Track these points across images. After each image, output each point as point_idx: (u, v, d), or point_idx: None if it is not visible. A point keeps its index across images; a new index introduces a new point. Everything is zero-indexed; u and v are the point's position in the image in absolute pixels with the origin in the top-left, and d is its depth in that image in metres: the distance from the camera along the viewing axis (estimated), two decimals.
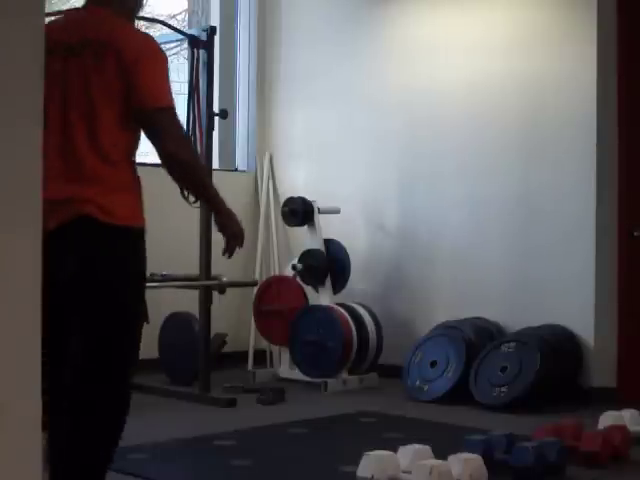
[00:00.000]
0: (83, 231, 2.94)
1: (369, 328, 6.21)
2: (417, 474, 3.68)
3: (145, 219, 3.13)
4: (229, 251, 3.29)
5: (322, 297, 6.34)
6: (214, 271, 5.75)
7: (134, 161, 3.13)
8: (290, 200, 6.51)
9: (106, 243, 2.98)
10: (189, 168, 3.10)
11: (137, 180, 3.13)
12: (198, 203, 5.68)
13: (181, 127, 3.13)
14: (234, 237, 3.26)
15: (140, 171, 6.18)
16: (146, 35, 3.25)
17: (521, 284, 5.99)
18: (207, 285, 5.69)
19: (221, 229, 3.24)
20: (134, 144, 3.11)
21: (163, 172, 7.00)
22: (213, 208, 3.26)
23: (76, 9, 3.40)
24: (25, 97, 1.70)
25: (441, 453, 3.91)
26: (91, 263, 2.96)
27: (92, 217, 2.92)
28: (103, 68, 2.96)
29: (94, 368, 2.99)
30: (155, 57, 3.05)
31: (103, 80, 2.96)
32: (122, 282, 3.02)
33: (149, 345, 6.20)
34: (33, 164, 1.72)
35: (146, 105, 2.97)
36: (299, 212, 6.42)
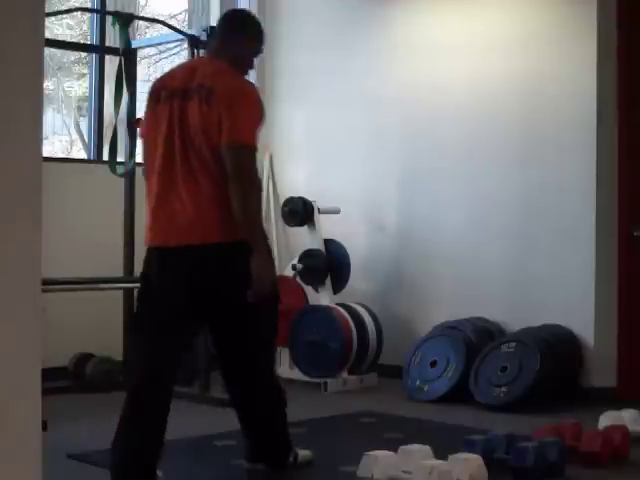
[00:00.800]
0: None
1: (369, 328, 6.21)
2: (417, 474, 3.68)
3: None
4: (253, 295, 3.59)
5: (322, 297, 6.34)
6: None
7: None
8: (290, 200, 6.51)
9: None
10: (254, 203, 3.60)
11: None
12: None
13: (248, 163, 3.61)
14: (261, 283, 3.58)
15: (140, 171, 6.19)
16: (243, 82, 3.84)
17: (521, 284, 5.99)
18: None
19: (253, 272, 3.56)
20: None
21: None
22: (253, 250, 3.57)
23: (199, 58, 4.05)
24: (25, 97, 1.70)
25: (441, 453, 3.91)
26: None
27: None
28: (208, 109, 3.61)
29: (266, 338, 3.92)
30: (243, 99, 3.70)
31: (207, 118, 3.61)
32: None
33: None
34: (33, 165, 1.72)
35: (224, 141, 3.57)
36: (299, 212, 6.42)
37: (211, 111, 3.58)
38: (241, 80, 3.83)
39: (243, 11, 4.38)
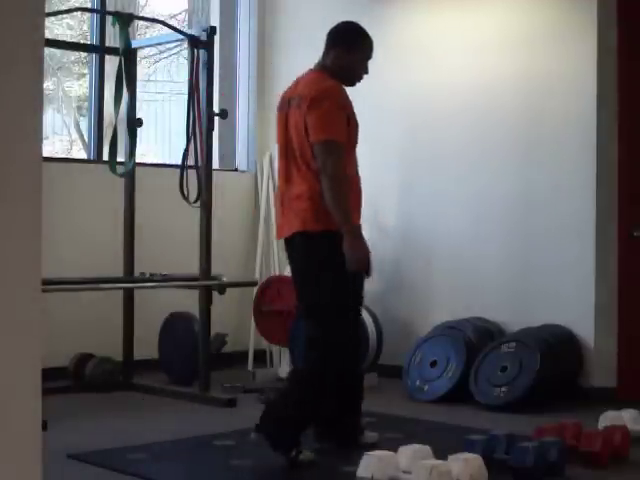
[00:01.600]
0: None
1: (369, 328, 6.21)
2: (417, 474, 3.68)
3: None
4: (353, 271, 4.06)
5: None
6: (214, 271, 5.75)
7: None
8: None
9: None
10: (335, 191, 3.96)
11: None
12: (198, 203, 5.69)
13: (333, 158, 3.96)
14: (353, 262, 4.01)
15: (140, 171, 6.20)
16: (325, 85, 4.13)
17: (521, 284, 5.99)
18: (207, 285, 5.70)
19: (345, 254, 3.99)
20: None
21: (163, 172, 7.02)
22: (343, 234, 4.00)
23: (308, 70, 4.38)
24: (25, 97, 1.70)
25: (441, 453, 3.91)
26: None
27: None
28: (299, 113, 4.08)
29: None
30: (321, 101, 4.03)
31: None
32: None
33: (149, 345, 6.22)
34: (33, 165, 1.72)
35: (310, 140, 4.02)
36: None
37: (301, 115, 4.06)
38: (324, 84, 4.14)
39: (346, 23, 4.49)
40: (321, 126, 4.01)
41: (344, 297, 4.15)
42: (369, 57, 4.38)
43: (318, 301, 4.17)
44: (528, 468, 3.86)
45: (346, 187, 4.03)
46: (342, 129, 4.06)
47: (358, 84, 7.00)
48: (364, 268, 4.12)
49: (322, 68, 4.26)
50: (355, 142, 4.24)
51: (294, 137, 4.10)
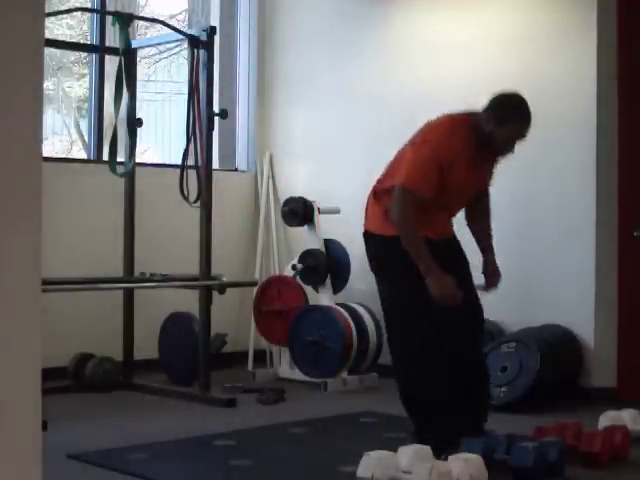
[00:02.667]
0: None
1: (369, 328, 6.21)
2: (417, 474, 3.68)
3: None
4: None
5: (322, 297, 6.34)
6: (214, 271, 5.75)
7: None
8: (290, 200, 6.51)
9: None
10: (401, 236, 4.08)
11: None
12: (198, 203, 5.69)
13: (400, 202, 4.05)
14: (439, 297, 4.03)
15: (140, 171, 6.22)
16: (430, 130, 4.19)
17: (521, 284, 5.98)
18: (207, 285, 5.69)
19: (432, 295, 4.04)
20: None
21: (163, 172, 7.03)
22: (424, 274, 4.07)
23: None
24: (25, 97, 1.70)
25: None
26: None
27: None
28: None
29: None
30: (420, 145, 4.12)
31: None
32: None
33: (149, 345, 6.22)
34: (33, 165, 1.72)
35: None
36: (299, 212, 6.42)
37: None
38: (430, 129, 4.20)
39: (512, 98, 4.26)
40: (403, 169, 4.11)
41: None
42: (519, 137, 4.19)
43: None
44: (528, 468, 3.86)
45: (407, 230, 4.10)
46: (419, 177, 4.07)
47: (357, 84, 7.04)
48: (454, 302, 4.07)
49: (475, 125, 4.16)
50: (457, 191, 4.22)
51: None
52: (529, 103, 5.98)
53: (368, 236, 4.40)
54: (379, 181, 4.35)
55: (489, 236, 4.52)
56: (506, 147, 4.22)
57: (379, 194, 4.30)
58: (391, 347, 4.42)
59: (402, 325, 4.27)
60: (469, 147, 4.17)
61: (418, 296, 4.11)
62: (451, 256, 4.30)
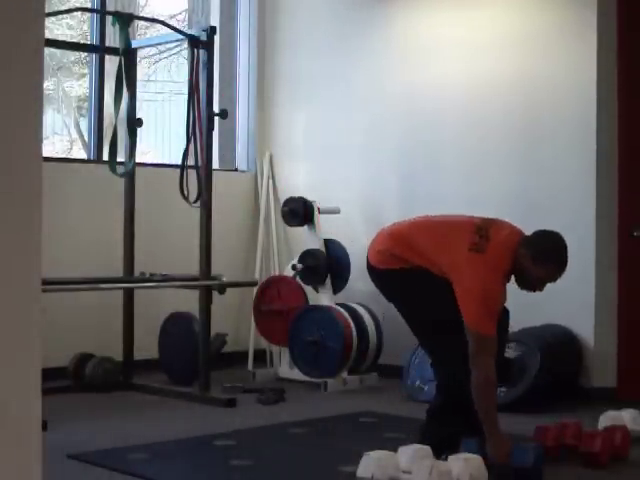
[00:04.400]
0: None
1: (369, 328, 6.21)
2: (417, 474, 3.68)
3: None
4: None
5: (322, 297, 6.34)
6: (214, 271, 5.75)
7: None
8: (290, 200, 6.51)
9: None
10: (474, 392, 3.89)
11: None
12: (198, 203, 5.69)
13: (480, 352, 3.88)
14: (493, 458, 3.86)
15: (140, 171, 6.22)
16: (501, 250, 4.08)
17: None
18: (207, 285, 5.70)
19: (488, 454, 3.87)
20: None
21: (163, 172, 7.03)
22: (486, 434, 3.93)
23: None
24: (25, 97, 1.70)
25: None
26: None
27: None
28: None
29: None
30: (484, 270, 4.01)
31: None
32: None
33: (149, 345, 6.22)
34: (33, 165, 1.72)
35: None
36: (299, 212, 6.42)
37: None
38: (497, 254, 4.08)
39: (554, 240, 4.20)
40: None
41: None
42: (549, 280, 4.17)
43: None
44: (528, 468, 3.85)
45: (487, 388, 3.97)
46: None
47: (357, 85, 7.03)
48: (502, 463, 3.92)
49: (520, 244, 4.12)
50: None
51: None
52: (529, 103, 6.03)
53: (374, 271, 4.34)
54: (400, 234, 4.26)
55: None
56: (534, 285, 4.18)
57: (400, 247, 4.18)
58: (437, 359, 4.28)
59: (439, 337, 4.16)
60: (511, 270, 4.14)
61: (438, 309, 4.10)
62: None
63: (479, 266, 3.99)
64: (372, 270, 4.34)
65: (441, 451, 3.92)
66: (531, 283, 4.17)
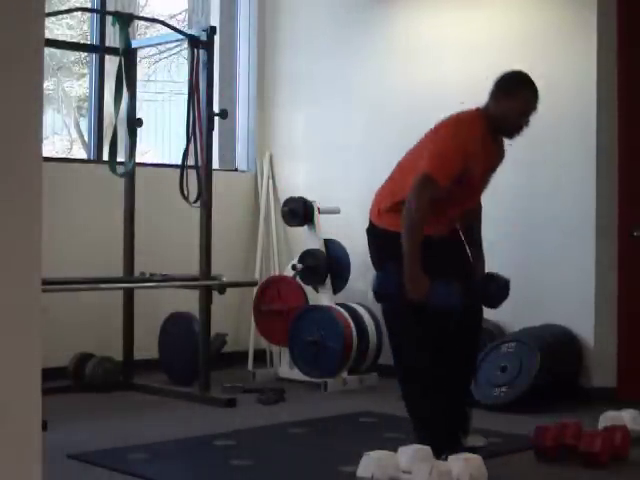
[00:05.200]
0: None
1: (369, 328, 6.21)
2: (417, 474, 3.68)
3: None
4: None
5: (322, 297, 6.34)
6: (214, 271, 5.75)
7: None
8: (290, 200, 6.51)
9: None
10: (404, 221, 3.99)
11: None
12: (198, 203, 5.69)
13: (418, 191, 3.97)
14: (409, 295, 3.96)
15: (140, 171, 6.22)
16: (448, 123, 4.14)
17: (521, 284, 5.96)
18: (207, 285, 5.70)
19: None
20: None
21: (163, 172, 7.04)
22: (405, 268, 3.98)
23: None
24: (25, 97, 1.70)
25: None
26: None
27: None
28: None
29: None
30: (443, 136, 4.09)
31: None
32: None
33: (149, 345, 6.22)
34: (33, 165, 1.72)
35: None
36: (299, 212, 6.42)
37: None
38: (448, 122, 4.16)
39: (514, 72, 4.26)
40: (425, 158, 4.07)
41: None
42: (529, 109, 4.16)
43: None
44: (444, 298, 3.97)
45: (411, 223, 4.02)
46: (439, 165, 4.03)
47: (357, 85, 7.04)
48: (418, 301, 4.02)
49: (483, 111, 4.19)
50: (474, 185, 4.21)
51: None
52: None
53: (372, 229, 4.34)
54: (384, 189, 4.39)
55: (481, 245, 4.47)
56: (521, 120, 4.16)
57: (388, 202, 4.28)
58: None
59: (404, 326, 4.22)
60: (487, 137, 4.18)
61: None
62: (455, 257, 4.27)
63: (438, 141, 4.11)
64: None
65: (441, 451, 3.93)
66: (516, 123, 4.17)
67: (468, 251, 4.39)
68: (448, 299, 4.00)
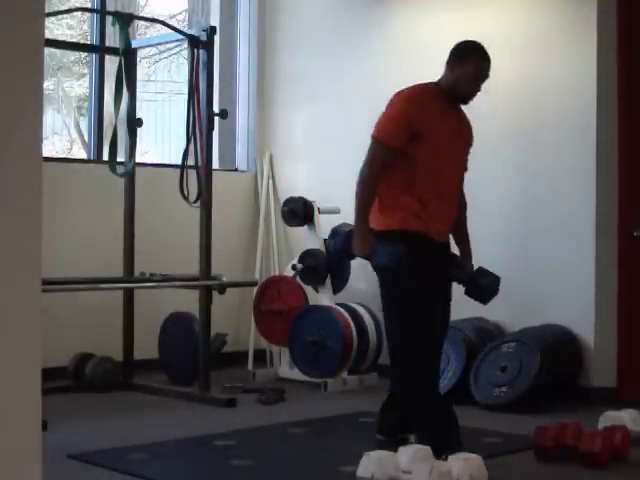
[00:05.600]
0: None
1: (369, 328, 6.21)
2: (417, 474, 3.68)
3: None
4: None
5: (322, 297, 6.34)
6: (214, 271, 5.75)
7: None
8: (290, 200, 6.51)
9: None
10: (358, 184, 4.23)
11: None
12: (198, 203, 5.69)
13: (369, 154, 4.27)
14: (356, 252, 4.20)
15: (140, 171, 6.21)
16: (401, 92, 4.37)
17: (521, 284, 5.98)
18: (207, 285, 5.70)
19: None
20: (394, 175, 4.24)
21: (163, 172, 7.04)
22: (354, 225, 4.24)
23: None
24: (25, 97, 1.70)
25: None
26: None
27: None
28: None
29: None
30: (389, 104, 4.33)
31: None
32: None
33: (149, 345, 6.22)
34: (33, 165, 1.72)
35: None
36: (299, 212, 6.42)
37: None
38: (398, 92, 4.37)
39: (464, 41, 4.44)
40: (376, 124, 4.35)
41: None
42: (479, 76, 4.31)
43: None
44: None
45: (363, 184, 4.21)
46: (389, 130, 4.25)
47: (357, 85, 7.03)
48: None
49: (437, 82, 4.36)
50: (441, 163, 4.30)
51: None
52: (529, 103, 6.02)
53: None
54: None
55: (468, 241, 4.56)
56: (472, 87, 4.31)
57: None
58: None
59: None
60: (443, 104, 4.30)
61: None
62: (444, 262, 4.32)
63: (385, 110, 4.38)
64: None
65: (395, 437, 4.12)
66: (468, 89, 4.31)
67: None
68: (389, 260, 4.11)
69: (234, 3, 7.36)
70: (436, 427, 4.11)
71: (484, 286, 4.37)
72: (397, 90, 4.38)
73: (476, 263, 6.17)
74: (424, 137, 4.17)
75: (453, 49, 4.40)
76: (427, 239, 4.15)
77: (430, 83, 4.37)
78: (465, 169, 4.52)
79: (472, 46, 4.35)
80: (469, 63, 4.28)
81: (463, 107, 4.44)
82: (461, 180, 4.51)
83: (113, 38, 6.48)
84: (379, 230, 4.17)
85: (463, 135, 4.45)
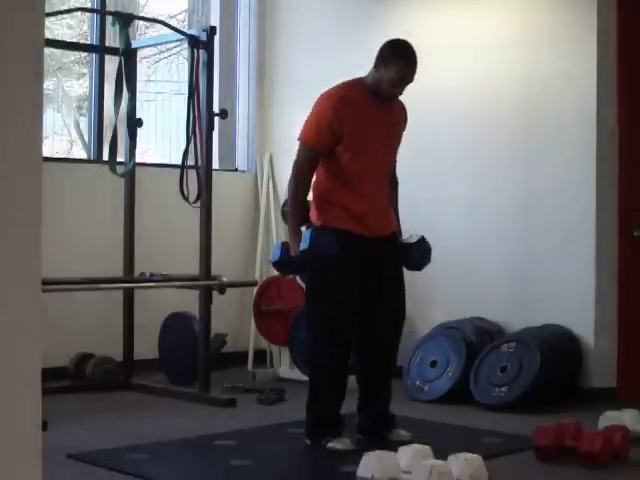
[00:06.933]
0: None
1: None
2: (417, 474, 3.68)
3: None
4: None
5: None
6: (214, 271, 5.75)
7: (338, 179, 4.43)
8: None
9: None
10: (289, 187, 4.49)
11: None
12: (198, 203, 5.69)
13: (297, 155, 4.44)
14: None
15: (140, 171, 6.22)
16: (323, 93, 4.49)
17: (521, 284, 5.99)
18: (207, 285, 5.69)
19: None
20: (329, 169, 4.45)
21: (163, 172, 7.04)
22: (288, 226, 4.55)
23: None
24: (25, 97, 1.70)
25: (441, 453, 3.91)
26: None
27: None
28: None
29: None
30: (313, 106, 4.51)
31: None
32: None
33: (149, 345, 6.22)
34: (33, 165, 1.72)
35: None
36: None
37: None
38: (322, 93, 4.50)
39: (395, 41, 4.50)
40: (303, 127, 4.52)
41: None
42: (402, 80, 4.39)
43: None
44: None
45: (295, 184, 4.42)
46: (314, 133, 4.40)
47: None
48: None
49: (364, 79, 4.47)
50: (367, 148, 4.40)
51: None
52: (529, 103, 6.02)
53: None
54: None
55: (397, 215, 4.72)
56: (393, 88, 4.38)
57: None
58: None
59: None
60: (366, 99, 4.37)
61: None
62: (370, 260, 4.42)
63: (312, 109, 4.51)
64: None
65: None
66: (389, 91, 4.40)
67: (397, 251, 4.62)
68: (320, 249, 4.30)
69: (234, 3, 7.36)
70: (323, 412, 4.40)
71: (414, 256, 4.64)
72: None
73: (476, 263, 6.20)
74: (349, 134, 4.30)
75: (382, 48, 4.44)
76: (356, 237, 4.32)
77: (357, 79, 4.46)
78: (396, 154, 4.69)
79: (400, 49, 4.38)
80: (393, 68, 4.33)
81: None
82: (393, 164, 4.66)
83: (113, 38, 6.48)
84: (316, 226, 4.39)
85: (392, 124, 4.54)
